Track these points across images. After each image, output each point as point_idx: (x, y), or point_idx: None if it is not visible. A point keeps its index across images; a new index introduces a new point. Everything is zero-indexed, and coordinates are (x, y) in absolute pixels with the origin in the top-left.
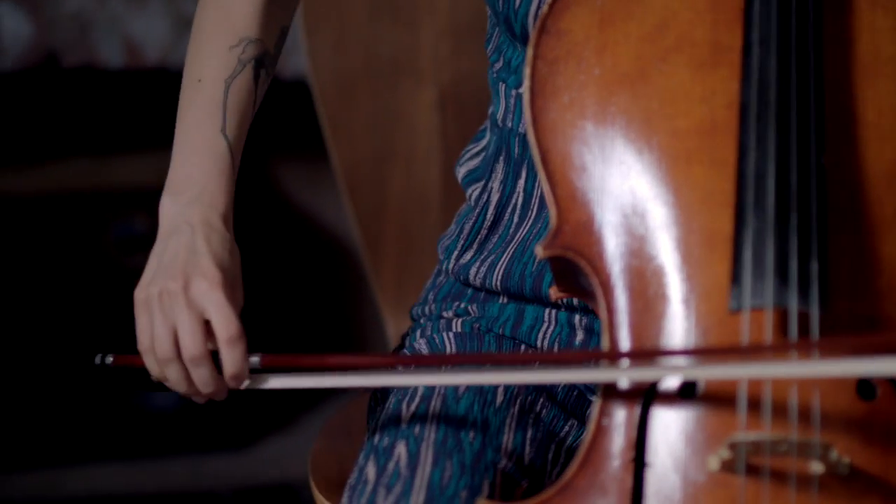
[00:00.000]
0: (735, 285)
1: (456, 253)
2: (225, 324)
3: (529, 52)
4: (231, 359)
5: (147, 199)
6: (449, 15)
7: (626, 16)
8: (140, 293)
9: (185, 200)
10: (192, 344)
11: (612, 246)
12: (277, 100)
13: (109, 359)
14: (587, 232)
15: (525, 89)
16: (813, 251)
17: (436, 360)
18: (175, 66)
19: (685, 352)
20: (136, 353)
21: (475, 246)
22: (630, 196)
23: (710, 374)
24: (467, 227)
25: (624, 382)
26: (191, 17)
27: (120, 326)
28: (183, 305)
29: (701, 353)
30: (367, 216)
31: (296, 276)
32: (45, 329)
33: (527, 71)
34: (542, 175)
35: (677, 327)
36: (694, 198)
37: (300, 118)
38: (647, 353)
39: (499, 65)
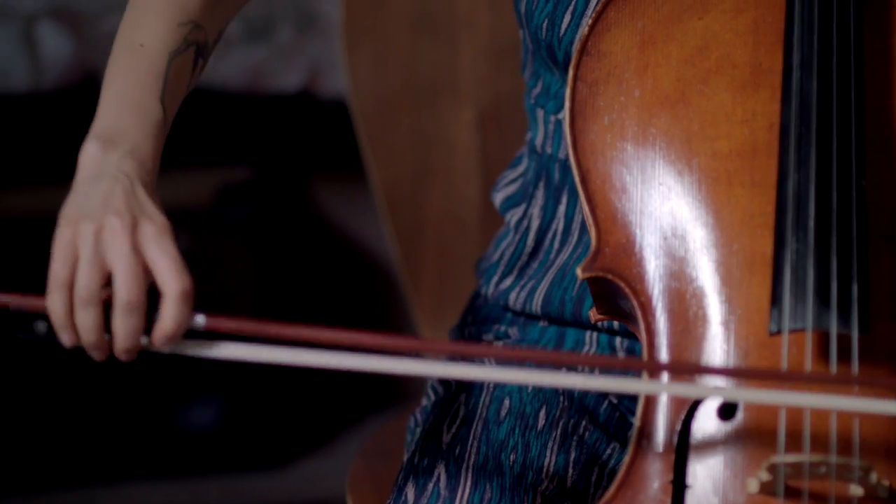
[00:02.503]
0: (775, 307)
1: (496, 278)
2: (178, 274)
3: (570, 73)
4: (177, 314)
5: (183, 218)
6: (489, 34)
7: (667, 38)
8: (65, 229)
9: (119, 153)
10: (132, 288)
11: (652, 268)
12: (316, 119)
13: None
14: (627, 254)
15: (565, 111)
16: (853, 273)
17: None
18: (210, 85)
19: (725, 371)
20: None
21: (515, 272)
22: (670, 218)
23: (750, 397)
24: (507, 254)
25: (663, 397)
26: (230, 37)
27: None
28: (127, 246)
29: (741, 374)
30: (405, 235)
31: (333, 295)
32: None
33: (567, 92)
34: (582, 196)
35: (717, 349)
36: (734, 219)
37: (338, 137)
38: (688, 367)
39: (536, 90)
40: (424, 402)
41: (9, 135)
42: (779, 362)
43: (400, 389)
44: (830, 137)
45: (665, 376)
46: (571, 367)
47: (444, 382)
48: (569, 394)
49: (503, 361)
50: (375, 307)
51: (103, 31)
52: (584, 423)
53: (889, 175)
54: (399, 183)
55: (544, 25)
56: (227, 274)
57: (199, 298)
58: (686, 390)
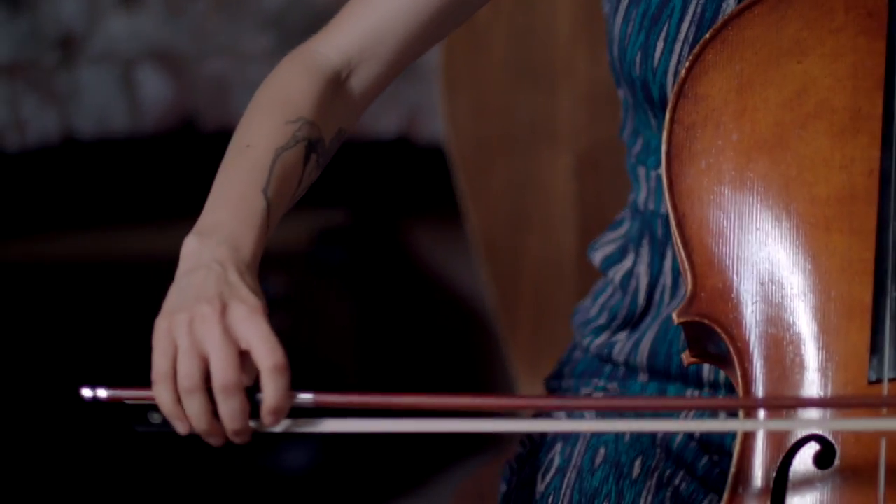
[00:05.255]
0: (875, 356)
1: (607, 333)
2: (270, 350)
3: (667, 116)
4: (275, 389)
5: (281, 261)
6: (587, 82)
7: (765, 82)
8: (162, 321)
9: (214, 242)
10: (227, 371)
11: (749, 313)
12: (413, 163)
13: (102, 393)
14: (724, 299)
15: (662, 154)
16: None
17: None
18: None
19: (822, 402)
20: (135, 385)
21: (628, 329)
22: (767, 263)
23: (848, 426)
24: (621, 315)
25: (759, 443)
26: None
27: (250, 386)
28: (218, 331)
29: (837, 404)
30: (502, 281)
31: (429, 339)
32: None
33: (664, 135)
34: (678, 240)
35: (814, 397)
36: (832, 266)
37: (436, 182)
38: (784, 401)
39: (637, 148)
40: (519, 449)
41: (107, 177)
42: (879, 411)
43: (494, 433)
44: None
45: (762, 414)
46: (670, 415)
47: None
48: (666, 446)
49: (603, 413)
50: (471, 352)
51: (203, 75)
52: (680, 474)
53: None
54: (496, 228)
55: (637, 59)
56: (324, 316)
57: (297, 339)
58: (783, 425)
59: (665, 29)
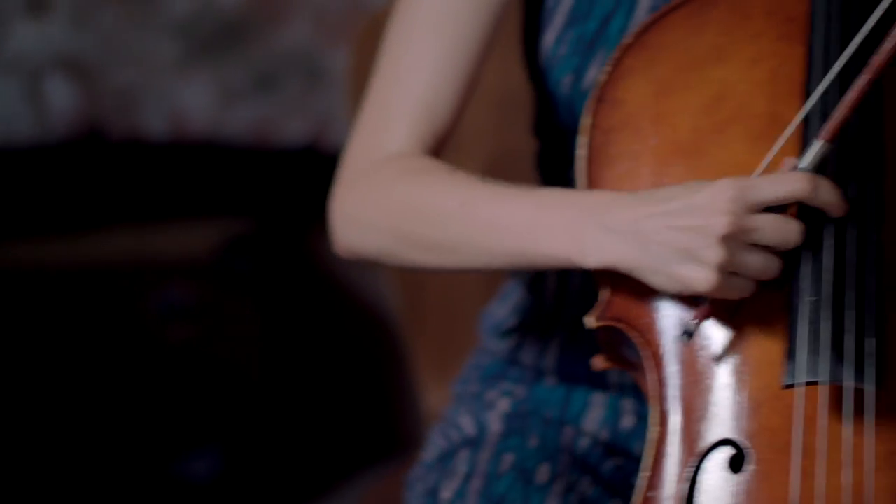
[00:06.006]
0: (789, 360)
1: (516, 336)
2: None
3: (586, 120)
4: (831, 194)
5: (187, 269)
6: (494, 89)
7: (684, 87)
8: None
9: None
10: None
11: (664, 318)
12: (319, 170)
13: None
14: (638, 304)
15: (581, 158)
16: (869, 327)
17: None
18: (217, 138)
19: None
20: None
21: (537, 333)
22: None
23: None
24: (530, 318)
25: (674, 447)
26: (237, 90)
27: (158, 395)
28: (743, 213)
29: None
30: (409, 287)
31: (335, 347)
32: (81, 399)
33: (583, 139)
34: None
35: (728, 400)
36: None
37: None
38: None
39: (546, 147)
40: (425, 457)
41: (12, 186)
42: (791, 416)
43: (399, 440)
44: (847, 188)
45: None
46: None
47: (446, 436)
48: (570, 452)
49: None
50: (378, 359)
51: (111, 84)
52: (586, 479)
53: None
54: None
55: (567, 81)
56: (230, 325)
57: (203, 348)
58: None
59: (600, 55)
